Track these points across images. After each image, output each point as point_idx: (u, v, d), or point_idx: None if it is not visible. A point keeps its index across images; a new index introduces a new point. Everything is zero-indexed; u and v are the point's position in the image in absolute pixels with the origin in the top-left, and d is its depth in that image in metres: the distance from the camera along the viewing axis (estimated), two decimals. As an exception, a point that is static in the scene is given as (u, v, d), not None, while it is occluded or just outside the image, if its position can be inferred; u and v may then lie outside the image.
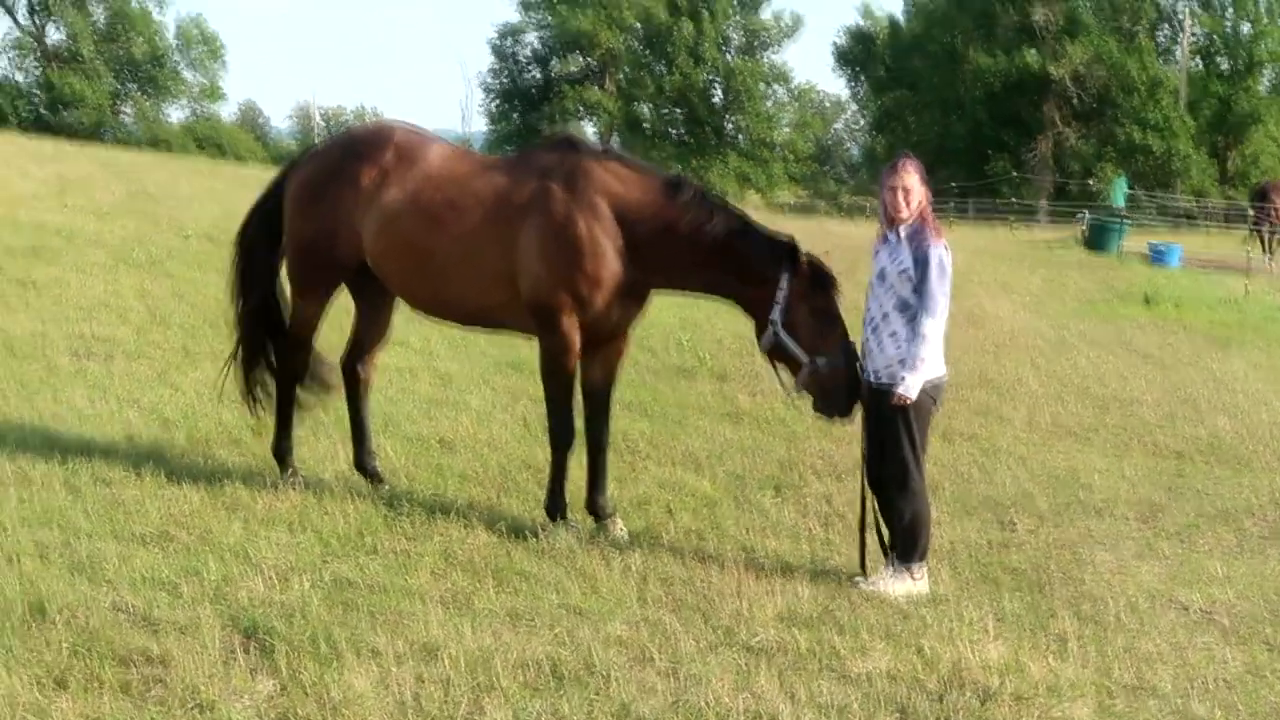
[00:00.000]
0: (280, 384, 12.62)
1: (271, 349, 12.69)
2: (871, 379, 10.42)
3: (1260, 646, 9.61)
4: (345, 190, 11.89)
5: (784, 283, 10.74)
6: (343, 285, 12.46)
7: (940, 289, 10.15)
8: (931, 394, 10.40)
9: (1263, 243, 47.75)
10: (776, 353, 10.97)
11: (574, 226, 10.99)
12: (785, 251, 10.83)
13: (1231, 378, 22.22)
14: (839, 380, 10.72)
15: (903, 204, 10.35)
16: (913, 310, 10.21)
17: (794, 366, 10.91)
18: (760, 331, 10.99)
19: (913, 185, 10.34)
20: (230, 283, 12.82)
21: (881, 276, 10.39)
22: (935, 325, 10.16)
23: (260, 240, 12.66)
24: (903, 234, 10.34)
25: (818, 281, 10.78)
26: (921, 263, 10.15)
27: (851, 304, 10.94)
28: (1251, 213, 48.51)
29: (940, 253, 10.19)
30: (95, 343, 17.36)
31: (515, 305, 11.34)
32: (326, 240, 12.04)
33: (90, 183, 33.77)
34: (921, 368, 10.14)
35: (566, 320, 11.10)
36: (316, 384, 12.84)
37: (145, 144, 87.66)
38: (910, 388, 10.13)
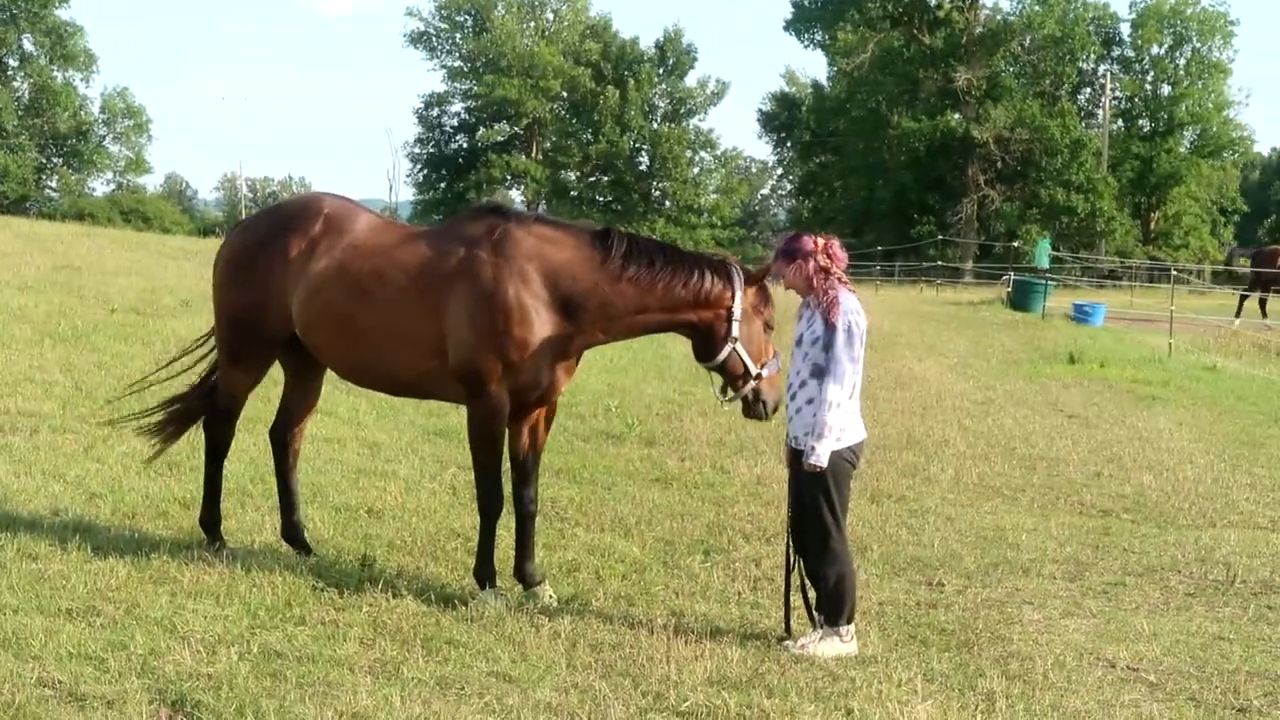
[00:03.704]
0: (207, 455, 12.57)
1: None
2: (792, 444, 10.48)
3: (1186, 702, 9.66)
4: (274, 261, 11.88)
5: (737, 300, 10.94)
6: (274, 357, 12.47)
7: (847, 354, 10.20)
8: (849, 458, 10.44)
9: (1242, 301, 48.58)
10: (728, 365, 11.13)
11: (502, 292, 11.01)
12: (732, 270, 11.09)
13: (1156, 435, 22.40)
14: (774, 384, 11.10)
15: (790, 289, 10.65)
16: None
17: (739, 377, 11.12)
18: (711, 350, 11.12)
19: (787, 275, 10.56)
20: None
21: (799, 342, 10.48)
22: (840, 391, 10.20)
23: None
24: (814, 302, 10.45)
25: (763, 294, 11.13)
26: (829, 329, 10.24)
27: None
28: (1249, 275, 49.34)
29: (848, 319, 10.26)
30: (19, 417, 17.23)
31: (443, 373, 11.33)
32: (256, 312, 12.00)
33: (14, 256, 33.64)
34: (829, 434, 10.17)
35: (495, 387, 11.10)
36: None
37: (70, 217, 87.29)
38: (820, 455, 10.17)
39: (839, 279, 10.46)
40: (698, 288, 11.04)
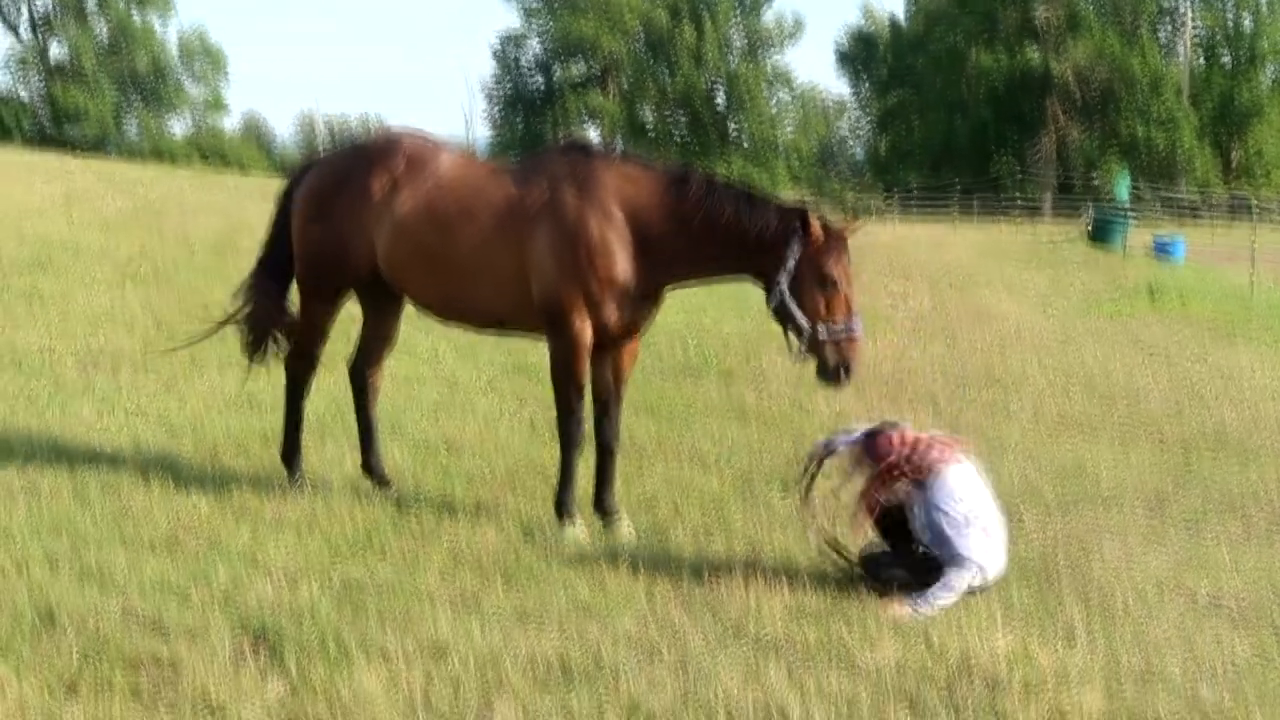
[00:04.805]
0: (288, 391, 12.65)
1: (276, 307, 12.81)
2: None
3: (1268, 632, 9.61)
4: (356, 199, 11.90)
5: (795, 248, 10.76)
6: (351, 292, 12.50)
7: (959, 533, 9.88)
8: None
9: None
10: (782, 316, 10.97)
11: (585, 229, 11.03)
12: (797, 217, 10.85)
13: (1237, 370, 22.26)
14: (842, 350, 10.76)
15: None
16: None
17: (794, 332, 10.90)
18: (768, 298, 11.01)
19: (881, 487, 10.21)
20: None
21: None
22: (963, 575, 9.88)
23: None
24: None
25: (829, 247, 10.78)
26: (931, 523, 9.99)
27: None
28: None
29: (939, 510, 9.97)
30: (102, 355, 17.37)
31: (528, 308, 11.38)
32: (337, 249, 12.05)
33: (95, 196, 33.84)
34: (939, 608, 9.77)
35: (578, 322, 11.14)
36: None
37: (149, 157, 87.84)
38: (923, 612, 9.71)
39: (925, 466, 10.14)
40: (759, 233, 10.91)
